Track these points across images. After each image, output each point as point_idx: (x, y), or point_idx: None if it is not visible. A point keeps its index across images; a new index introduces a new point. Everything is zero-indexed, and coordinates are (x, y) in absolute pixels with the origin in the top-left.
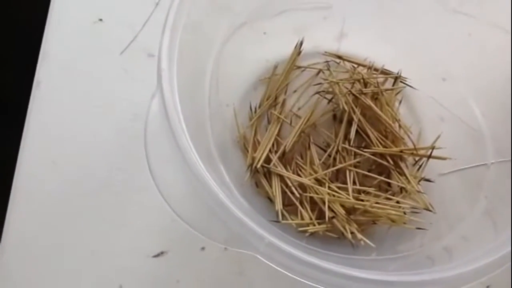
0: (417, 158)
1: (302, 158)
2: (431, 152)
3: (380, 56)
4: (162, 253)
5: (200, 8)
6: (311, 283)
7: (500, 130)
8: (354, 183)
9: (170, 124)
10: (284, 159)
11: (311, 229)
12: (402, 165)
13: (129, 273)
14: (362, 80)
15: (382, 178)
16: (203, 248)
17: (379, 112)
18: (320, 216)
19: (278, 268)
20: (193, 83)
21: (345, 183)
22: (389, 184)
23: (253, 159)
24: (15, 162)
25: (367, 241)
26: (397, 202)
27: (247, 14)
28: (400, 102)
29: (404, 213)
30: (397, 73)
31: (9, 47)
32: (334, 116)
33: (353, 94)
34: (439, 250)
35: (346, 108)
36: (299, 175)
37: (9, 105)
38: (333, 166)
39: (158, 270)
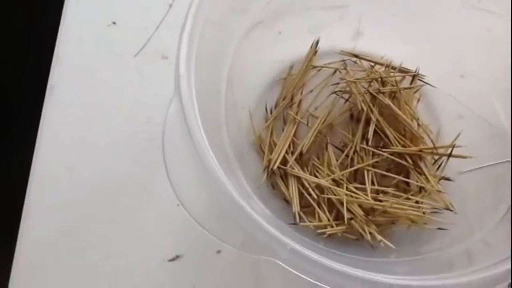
0: (436, 157)
1: (318, 159)
2: (451, 151)
3: (397, 54)
4: (177, 257)
5: (218, 10)
6: None
7: None
8: (373, 183)
9: (189, 130)
10: (301, 160)
11: (329, 231)
12: (421, 164)
13: (145, 277)
14: (380, 79)
15: (401, 178)
16: (219, 252)
17: (398, 111)
18: (338, 217)
19: (301, 275)
20: (210, 87)
21: (363, 183)
22: (407, 184)
23: (269, 160)
24: (30, 167)
25: (387, 242)
26: (417, 202)
27: (262, 14)
28: (418, 100)
29: (424, 213)
30: (415, 71)
31: (23, 51)
32: (351, 116)
33: (371, 93)
34: (459, 253)
35: (363, 107)
36: (316, 176)
37: (23, 109)
38: (351, 166)
39: (173, 274)
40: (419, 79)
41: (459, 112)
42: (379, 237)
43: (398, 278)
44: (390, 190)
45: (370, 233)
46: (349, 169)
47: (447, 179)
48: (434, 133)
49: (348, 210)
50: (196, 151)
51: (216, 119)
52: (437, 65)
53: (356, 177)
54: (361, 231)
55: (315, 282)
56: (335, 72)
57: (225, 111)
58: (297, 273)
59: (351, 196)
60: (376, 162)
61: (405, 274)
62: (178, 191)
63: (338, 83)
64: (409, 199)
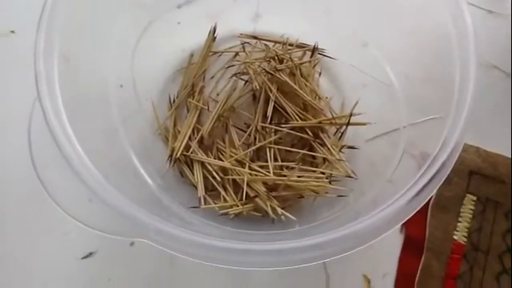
0: (338, 127)
1: (224, 142)
2: (349, 119)
3: (297, 31)
4: (91, 253)
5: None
6: (217, 265)
7: (419, 91)
8: (276, 160)
9: (49, 128)
10: (205, 145)
11: (232, 210)
12: (323, 136)
13: (59, 277)
14: (276, 57)
15: (303, 151)
16: (132, 244)
17: (295, 86)
18: (247, 197)
19: (170, 251)
20: (91, 85)
21: (267, 161)
22: (313, 157)
23: (173, 149)
24: None
25: (288, 214)
26: (322, 173)
27: (158, 6)
28: (320, 74)
29: (330, 182)
30: (314, 45)
31: None
32: (254, 97)
33: (268, 72)
34: (366, 203)
35: (258, 86)
36: (220, 159)
37: None
38: (254, 145)
39: (88, 271)
40: (318, 53)
41: (362, 81)
42: (280, 210)
43: (292, 241)
44: (293, 164)
45: (273, 208)
46: (251, 148)
47: (351, 147)
48: (340, 104)
49: (252, 188)
50: (59, 149)
51: (106, 116)
52: (336, 37)
53: (260, 155)
54: (264, 207)
55: (192, 259)
56: (235, 55)
57: (121, 111)
58: (172, 252)
59: (254, 174)
60: (280, 138)
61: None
62: (50, 192)
63: (233, 65)
64: (313, 171)
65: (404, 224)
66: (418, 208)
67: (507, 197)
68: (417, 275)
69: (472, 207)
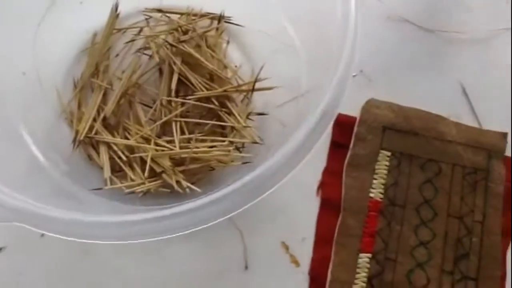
0: (245, 95)
1: (130, 120)
2: (254, 85)
3: (205, 1)
4: (0, 249)
5: None
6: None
7: (321, 53)
8: (184, 133)
9: None
10: (112, 125)
11: (138, 188)
12: (231, 105)
13: None
14: (180, 28)
15: (210, 122)
16: (42, 235)
17: (197, 56)
18: (155, 174)
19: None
20: None
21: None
22: (223, 127)
23: (77, 132)
24: None
25: (193, 187)
26: (231, 142)
27: None
28: (228, 42)
29: (239, 150)
30: (220, 14)
31: None
32: (160, 72)
33: (170, 44)
34: None
35: (162, 60)
36: (127, 138)
37: None
38: (160, 121)
39: None
40: (225, 21)
41: (271, 47)
42: (185, 184)
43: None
44: (200, 136)
45: (179, 182)
46: (155, 124)
47: (260, 114)
48: (250, 72)
49: (158, 165)
50: None
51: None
52: (242, 4)
53: (168, 131)
54: (169, 181)
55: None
56: (140, 31)
57: (24, 99)
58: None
59: (161, 150)
60: (188, 112)
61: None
62: None
63: (134, 41)
64: (221, 141)
65: (320, 187)
66: (309, 152)
67: (422, 149)
68: (335, 235)
69: (387, 162)
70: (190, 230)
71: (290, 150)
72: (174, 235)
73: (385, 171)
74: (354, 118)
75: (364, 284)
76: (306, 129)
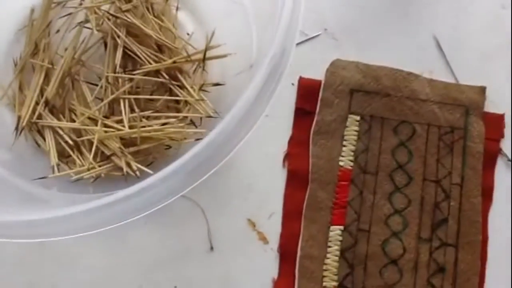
0: (197, 64)
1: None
2: (205, 54)
3: None
4: None
5: None
6: None
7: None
8: (134, 111)
9: None
10: (56, 108)
11: (87, 174)
12: (183, 76)
13: None
14: None
15: (161, 97)
16: None
17: (141, 26)
18: (106, 158)
19: None
20: None
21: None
22: (177, 102)
23: (19, 117)
24: None
25: (143, 167)
26: (185, 118)
27: None
28: (177, 8)
29: (195, 125)
30: None
31: None
32: (106, 46)
33: (112, 15)
34: None
35: (98, 32)
36: (74, 121)
37: None
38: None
39: None
40: None
41: (227, 10)
42: (135, 165)
43: None
44: (150, 113)
45: (128, 164)
46: (102, 103)
47: (217, 84)
48: (205, 39)
49: (107, 147)
50: None
51: None
52: None
53: (117, 109)
54: (119, 163)
55: None
56: (80, 3)
57: None
58: None
59: (110, 131)
60: (138, 88)
61: None
62: None
63: (73, 13)
64: (174, 117)
65: (286, 158)
66: (260, 118)
67: (394, 111)
68: (304, 208)
69: (356, 127)
70: (142, 215)
71: (236, 117)
72: (126, 221)
73: (355, 137)
74: (319, 82)
75: (336, 258)
76: (251, 94)
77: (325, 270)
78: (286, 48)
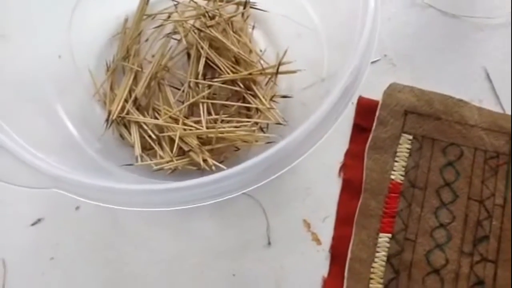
0: (269, 78)
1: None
2: (278, 68)
3: None
4: (39, 220)
5: None
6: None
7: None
8: (210, 114)
9: None
10: (142, 106)
11: (167, 165)
12: (256, 87)
13: (10, 245)
14: (207, 14)
15: (236, 103)
16: (77, 208)
17: (223, 40)
18: (183, 153)
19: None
20: (29, 59)
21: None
22: (248, 109)
23: (110, 112)
24: None
25: (218, 164)
26: (256, 123)
27: None
28: (254, 27)
29: (263, 131)
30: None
31: None
32: (188, 56)
33: (198, 29)
34: None
35: (186, 43)
36: (157, 119)
37: None
38: (187, 102)
39: (37, 237)
40: (250, 7)
41: (297, 31)
42: (211, 161)
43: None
44: (225, 117)
45: (205, 160)
46: (184, 105)
47: (285, 96)
48: (275, 55)
49: (186, 143)
50: None
51: (42, 94)
52: None
53: (195, 112)
54: (196, 159)
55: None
56: (169, 16)
57: (59, 82)
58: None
59: (188, 129)
60: (214, 94)
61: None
62: None
63: (162, 26)
64: (246, 122)
65: (342, 168)
66: (329, 132)
67: (444, 133)
68: (356, 215)
69: (408, 146)
70: (211, 202)
71: (308, 128)
72: (196, 205)
73: (407, 154)
74: (376, 102)
75: (383, 263)
76: (324, 109)
77: (372, 273)
78: (360, 71)
